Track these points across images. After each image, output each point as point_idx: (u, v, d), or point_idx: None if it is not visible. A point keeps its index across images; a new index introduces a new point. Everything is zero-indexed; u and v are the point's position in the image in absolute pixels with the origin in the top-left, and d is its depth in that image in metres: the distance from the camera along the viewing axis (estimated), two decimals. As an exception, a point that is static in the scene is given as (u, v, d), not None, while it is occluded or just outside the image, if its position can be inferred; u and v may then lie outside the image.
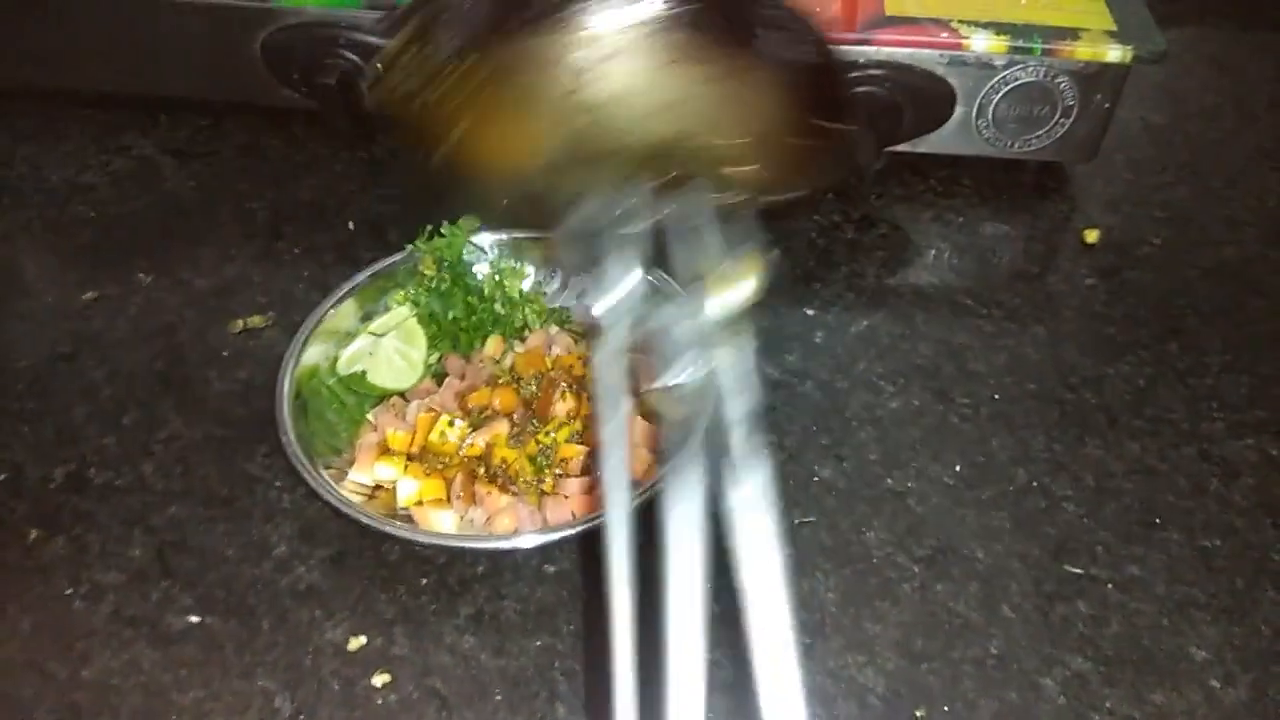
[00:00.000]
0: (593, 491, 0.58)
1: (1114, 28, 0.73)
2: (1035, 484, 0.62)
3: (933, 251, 0.77)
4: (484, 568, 0.58)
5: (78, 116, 0.88)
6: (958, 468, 0.63)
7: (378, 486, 0.60)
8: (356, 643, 0.55)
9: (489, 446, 0.59)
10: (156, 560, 0.59)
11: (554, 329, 0.67)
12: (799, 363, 0.69)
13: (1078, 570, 0.58)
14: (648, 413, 0.61)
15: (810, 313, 0.72)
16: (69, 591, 0.58)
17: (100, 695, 0.54)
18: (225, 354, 0.70)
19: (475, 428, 0.60)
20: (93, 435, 0.65)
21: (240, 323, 0.72)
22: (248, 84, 0.80)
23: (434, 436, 0.59)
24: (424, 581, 0.58)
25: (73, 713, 0.53)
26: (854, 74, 0.72)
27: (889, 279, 0.75)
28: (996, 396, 0.67)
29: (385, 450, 0.60)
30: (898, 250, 0.77)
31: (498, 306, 0.67)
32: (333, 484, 0.58)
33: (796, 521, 0.60)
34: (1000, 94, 0.74)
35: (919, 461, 0.63)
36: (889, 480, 0.62)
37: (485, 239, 0.69)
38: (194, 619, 0.57)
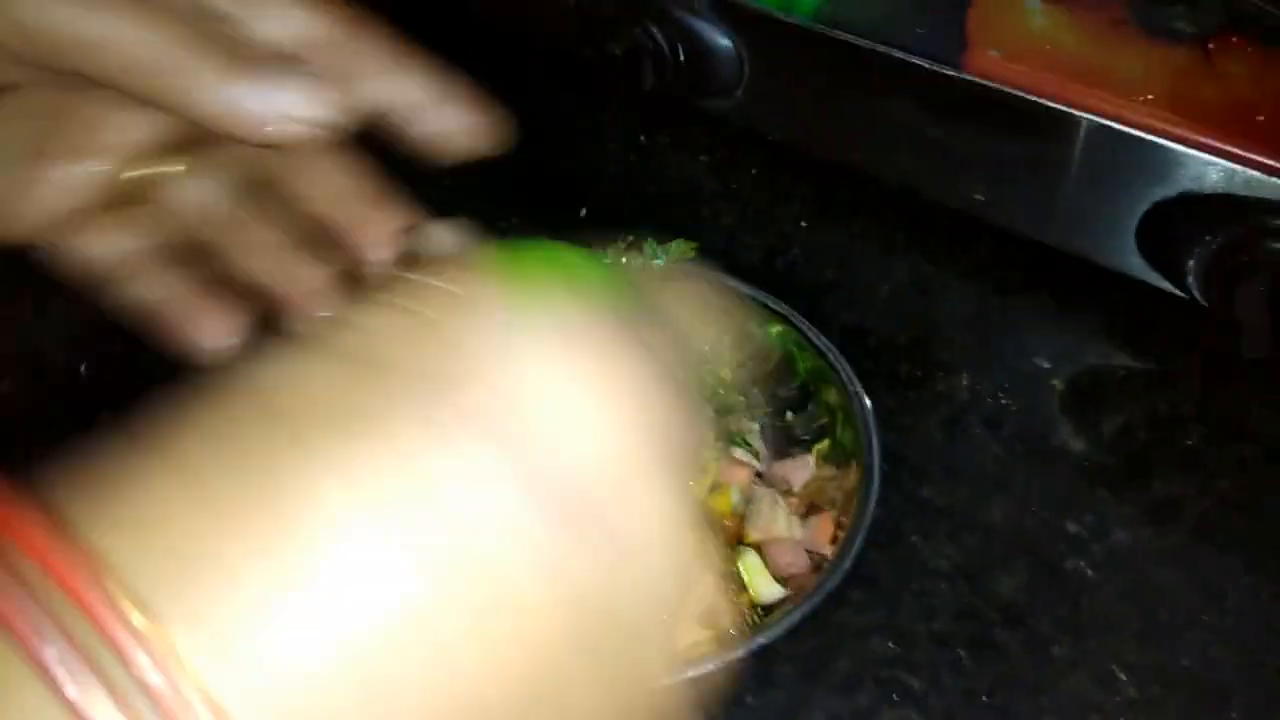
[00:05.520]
0: None
1: None
2: None
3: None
4: None
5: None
6: None
7: None
8: None
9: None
10: None
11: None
12: (1018, 595, 0.47)
13: None
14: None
15: (1073, 528, 0.50)
16: None
17: None
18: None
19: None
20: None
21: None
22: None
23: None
24: None
25: None
26: (1263, 221, 0.47)
27: (1237, 528, 0.50)
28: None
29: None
30: (1261, 489, 0.52)
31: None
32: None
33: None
34: None
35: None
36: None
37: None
38: None
